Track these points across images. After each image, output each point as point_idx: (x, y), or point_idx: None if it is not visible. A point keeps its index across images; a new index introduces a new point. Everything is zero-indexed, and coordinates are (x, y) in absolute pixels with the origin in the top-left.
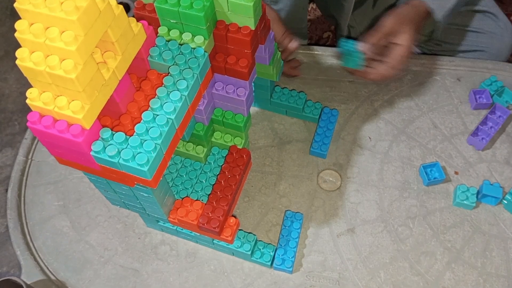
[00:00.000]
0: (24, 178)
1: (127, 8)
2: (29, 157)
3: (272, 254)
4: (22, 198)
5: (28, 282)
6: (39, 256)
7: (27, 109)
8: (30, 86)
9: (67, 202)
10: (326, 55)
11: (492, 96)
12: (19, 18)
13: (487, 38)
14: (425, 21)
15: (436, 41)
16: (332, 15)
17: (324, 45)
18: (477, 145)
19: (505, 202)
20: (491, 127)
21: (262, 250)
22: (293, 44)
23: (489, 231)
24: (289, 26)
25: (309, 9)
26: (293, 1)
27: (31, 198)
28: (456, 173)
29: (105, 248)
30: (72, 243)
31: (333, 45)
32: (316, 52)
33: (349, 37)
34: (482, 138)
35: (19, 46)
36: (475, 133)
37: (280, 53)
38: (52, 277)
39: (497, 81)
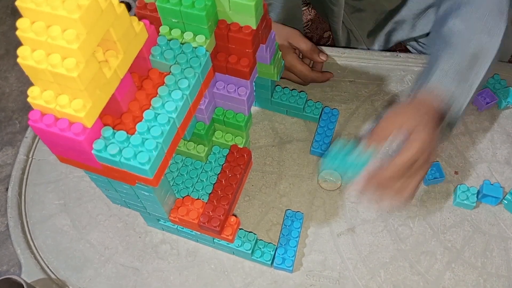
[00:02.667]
0: (25, 176)
1: (128, 7)
2: (30, 155)
3: (272, 253)
4: (23, 197)
5: (29, 281)
6: (39, 254)
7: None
8: (31, 84)
9: (68, 201)
10: None
11: (495, 93)
12: (20, 16)
13: None
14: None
15: None
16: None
17: (324, 45)
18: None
19: (505, 202)
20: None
21: (262, 249)
22: (322, 56)
23: (489, 231)
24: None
25: (310, 8)
26: (285, 1)
27: (32, 196)
28: (456, 173)
29: (106, 247)
30: (73, 241)
31: (333, 45)
32: None
33: (348, 39)
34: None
35: (20, 44)
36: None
37: (280, 52)
38: (53, 276)
39: (501, 79)
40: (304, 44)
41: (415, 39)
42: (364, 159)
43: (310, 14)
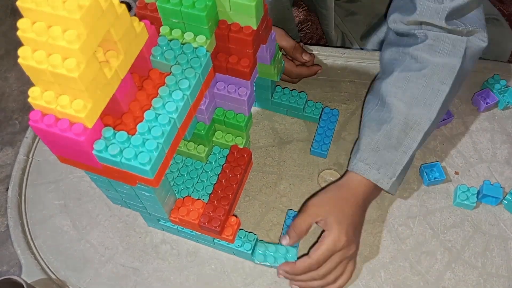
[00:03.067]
0: (25, 177)
1: (128, 7)
2: (30, 156)
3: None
4: (23, 197)
5: (29, 281)
6: (39, 255)
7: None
8: (30, 85)
9: (68, 201)
10: (326, 55)
11: (495, 94)
12: (20, 17)
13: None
14: (371, 196)
15: None
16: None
17: (324, 45)
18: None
19: (506, 202)
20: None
21: (264, 252)
22: (305, 56)
23: (490, 231)
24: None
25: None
26: (274, 2)
27: (32, 197)
28: (456, 173)
29: (106, 247)
30: (73, 242)
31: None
32: (316, 52)
33: (343, 41)
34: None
35: (19, 45)
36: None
37: (280, 53)
38: (53, 276)
39: (501, 79)
40: (286, 43)
41: None
42: (288, 253)
43: (310, 15)
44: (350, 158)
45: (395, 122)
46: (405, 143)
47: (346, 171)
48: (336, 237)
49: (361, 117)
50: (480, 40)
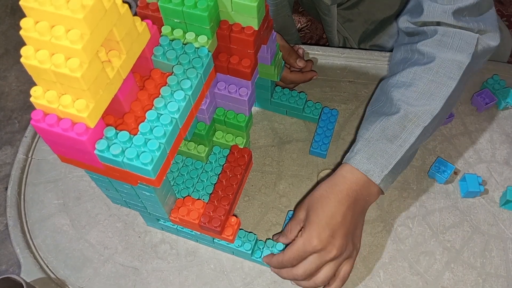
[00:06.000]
0: (24, 176)
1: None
2: (29, 155)
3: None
4: (22, 196)
5: (28, 280)
6: (38, 254)
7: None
8: (30, 84)
9: (67, 201)
10: (326, 55)
11: (494, 94)
12: (19, 16)
13: None
14: (363, 193)
15: None
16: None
17: (324, 45)
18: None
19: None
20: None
21: (262, 250)
22: (299, 63)
23: (488, 231)
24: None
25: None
26: (275, 11)
27: (31, 196)
28: (455, 173)
29: (105, 246)
30: (72, 241)
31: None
32: (316, 52)
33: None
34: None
35: (19, 44)
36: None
37: (281, 53)
38: (52, 275)
39: (500, 80)
40: (281, 48)
41: None
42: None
43: (310, 15)
44: None
45: (394, 115)
46: (402, 136)
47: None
48: (306, 239)
49: (362, 116)
50: (491, 39)
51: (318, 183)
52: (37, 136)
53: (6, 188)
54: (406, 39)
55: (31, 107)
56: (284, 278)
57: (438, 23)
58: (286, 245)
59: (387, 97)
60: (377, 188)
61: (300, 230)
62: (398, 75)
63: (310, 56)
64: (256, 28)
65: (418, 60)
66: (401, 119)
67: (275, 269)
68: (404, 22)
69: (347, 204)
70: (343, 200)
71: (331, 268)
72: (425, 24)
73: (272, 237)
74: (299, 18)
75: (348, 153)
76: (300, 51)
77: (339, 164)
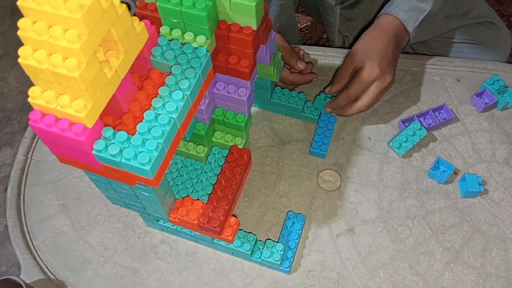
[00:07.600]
0: (24, 177)
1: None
2: (29, 156)
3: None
4: (22, 197)
5: (28, 282)
6: (38, 255)
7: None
8: (29, 85)
9: (67, 201)
10: (325, 55)
11: (494, 94)
12: (19, 16)
13: (486, 48)
14: (400, 37)
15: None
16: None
17: (323, 45)
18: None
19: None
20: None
21: (261, 250)
22: (300, 65)
23: (489, 231)
24: (281, 34)
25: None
26: (280, 11)
27: (31, 197)
28: (455, 173)
29: (105, 247)
30: (72, 242)
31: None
32: (316, 52)
33: (343, 45)
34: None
35: (18, 45)
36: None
37: (280, 53)
38: (52, 276)
39: (499, 80)
40: (282, 49)
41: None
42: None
43: (309, 15)
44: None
45: None
46: None
47: (379, 16)
48: (370, 70)
49: (361, 117)
50: None
51: (318, 183)
52: (37, 137)
53: (6, 189)
54: None
55: (31, 108)
56: (348, 115)
57: None
58: (286, 245)
59: None
60: (408, 36)
61: (350, 74)
62: None
63: (310, 56)
64: (255, 28)
65: None
66: None
67: (337, 111)
68: None
69: (393, 43)
70: (391, 39)
71: (382, 93)
72: None
73: (324, 90)
74: (299, 18)
75: (386, 7)
76: (301, 53)
77: (338, 164)
